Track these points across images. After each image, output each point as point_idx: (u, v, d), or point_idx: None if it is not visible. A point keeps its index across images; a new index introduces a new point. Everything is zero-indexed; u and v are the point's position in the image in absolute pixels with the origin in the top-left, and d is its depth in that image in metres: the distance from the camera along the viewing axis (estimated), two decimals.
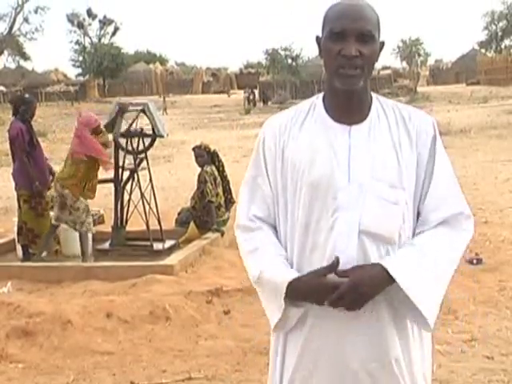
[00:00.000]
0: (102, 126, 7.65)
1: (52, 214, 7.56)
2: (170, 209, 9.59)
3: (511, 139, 18.11)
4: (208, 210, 7.98)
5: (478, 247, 7.17)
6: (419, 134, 2.07)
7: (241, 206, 2.19)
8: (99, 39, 66.85)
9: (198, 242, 7.63)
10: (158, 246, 7.71)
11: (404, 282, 1.94)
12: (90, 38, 66.56)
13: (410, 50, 71.75)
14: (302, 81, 47.42)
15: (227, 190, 8.28)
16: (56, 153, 15.87)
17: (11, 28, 56.62)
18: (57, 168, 8.35)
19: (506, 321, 5.22)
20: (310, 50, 55.37)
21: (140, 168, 8.01)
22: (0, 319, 5.40)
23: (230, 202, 8.26)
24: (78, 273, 6.81)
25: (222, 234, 7.90)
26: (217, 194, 8.06)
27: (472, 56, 62.46)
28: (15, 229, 7.78)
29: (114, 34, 67.32)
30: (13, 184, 7.80)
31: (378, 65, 2.23)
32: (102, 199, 9.64)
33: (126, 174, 7.98)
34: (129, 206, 7.93)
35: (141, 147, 7.95)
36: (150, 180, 7.88)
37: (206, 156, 8.16)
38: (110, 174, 7.99)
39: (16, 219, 7.81)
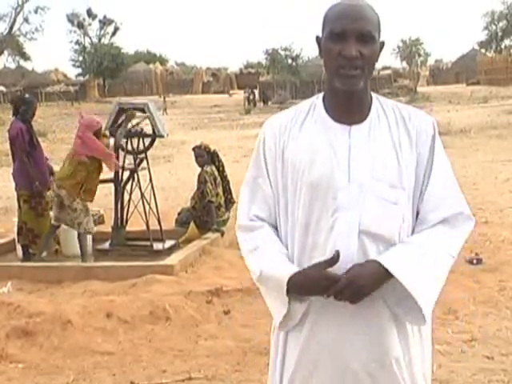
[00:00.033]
0: (104, 130, 7.66)
1: (51, 214, 7.56)
2: (170, 209, 9.59)
3: (511, 139, 18.11)
4: (208, 210, 7.98)
5: (478, 247, 7.17)
6: (419, 134, 2.07)
7: (241, 207, 2.20)
8: (99, 39, 66.84)
9: (198, 242, 7.63)
10: (158, 246, 7.71)
11: (400, 274, 1.95)
12: (90, 38, 66.59)
13: (410, 50, 71.71)
14: (302, 81, 47.43)
15: (227, 190, 8.29)
16: (56, 153, 15.86)
17: (11, 28, 56.59)
18: (57, 168, 8.34)
19: (506, 321, 5.22)
20: (310, 50, 55.41)
21: (140, 168, 8.01)
22: (0, 319, 5.40)
23: (230, 202, 8.26)
24: (78, 273, 6.81)
25: (222, 234, 7.90)
26: (217, 194, 8.06)
27: (472, 56, 62.45)
28: (15, 229, 7.78)
29: (113, 34, 67.32)
30: (13, 184, 7.80)
31: (378, 65, 2.23)
32: (102, 199, 9.64)
33: (126, 174, 7.98)
34: (129, 206, 7.93)
35: (141, 147, 7.96)
36: (150, 180, 7.88)
37: (206, 156, 8.16)
38: (110, 174, 8.00)
39: (16, 219, 7.81)
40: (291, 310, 2.04)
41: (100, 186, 7.83)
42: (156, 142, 8.31)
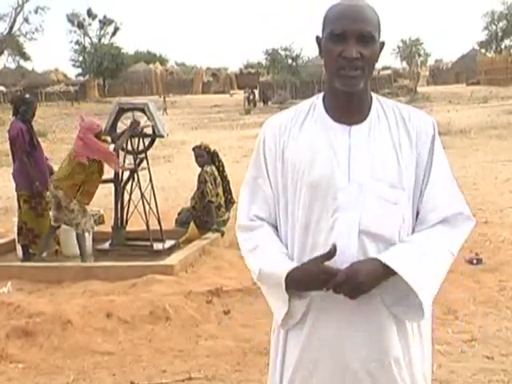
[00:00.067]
0: (104, 130, 7.65)
1: (51, 214, 7.55)
2: (170, 209, 9.59)
3: (511, 139, 18.11)
4: (208, 210, 7.98)
5: (478, 247, 7.17)
6: (419, 135, 2.07)
7: (241, 207, 2.20)
8: (99, 39, 66.83)
9: (198, 242, 7.63)
10: (158, 246, 7.71)
11: (400, 269, 1.95)
12: (90, 38, 66.57)
13: (410, 50, 71.72)
14: (302, 81, 47.42)
15: (227, 190, 8.29)
16: (56, 153, 15.86)
17: (11, 28, 56.59)
18: (56, 168, 8.34)
19: (506, 321, 5.22)
20: (310, 50, 55.34)
21: (140, 168, 8.01)
22: (0, 319, 5.40)
23: (230, 202, 8.26)
24: (78, 273, 6.81)
25: (222, 234, 7.90)
26: (217, 194, 8.06)
27: (472, 56, 62.44)
28: (15, 229, 7.78)
29: (114, 34, 67.31)
30: (13, 184, 7.80)
31: (378, 65, 2.23)
32: (102, 199, 9.64)
33: (126, 174, 7.98)
34: (129, 206, 7.93)
35: (141, 147, 7.96)
36: (150, 180, 7.88)
37: (206, 156, 8.16)
38: (110, 174, 8.00)
39: (16, 219, 7.81)
40: (292, 307, 2.04)
41: (100, 186, 7.83)
42: (156, 142, 8.31)
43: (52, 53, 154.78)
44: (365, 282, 1.93)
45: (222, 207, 8.15)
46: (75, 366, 4.72)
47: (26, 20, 57.05)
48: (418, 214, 2.09)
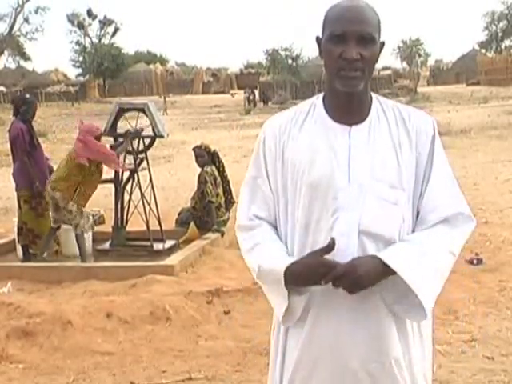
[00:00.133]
0: (104, 130, 7.65)
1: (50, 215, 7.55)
2: (170, 209, 9.59)
3: (511, 139, 18.10)
4: (208, 210, 7.98)
5: (479, 247, 7.17)
6: (419, 135, 2.07)
7: (241, 207, 2.20)
8: (99, 39, 66.82)
9: (198, 243, 7.63)
10: (158, 246, 7.71)
11: (400, 268, 1.94)
12: (91, 38, 66.57)
13: (411, 51, 71.66)
14: (303, 81, 47.39)
15: (227, 191, 8.28)
16: (56, 153, 15.84)
17: (11, 28, 56.59)
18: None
19: (507, 321, 5.22)
20: (310, 51, 55.27)
21: (140, 168, 8.01)
22: (0, 319, 5.40)
23: (230, 202, 8.26)
24: (78, 273, 6.81)
25: (222, 235, 7.91)
26: (217, 195, 8.06)
27: (472, 56, 62.42)
28: (15, 229, 7.78)
29: (114, 34, 67.29)
30: (13, 184, 7.80)
31: (378, 65, 2.23)
32: (102, 199, 9.65)
33: (126, 174, 7.98)
34: (129, 207, 7.93)
35: (141, 147, 7.96)
36: (150, 180, 7.88)
37: (207, 156, 8.16)
38: (110, 174, 8.00)
39: (16, 219, 7.81)
40: (292, 303, 2.03)
41: (100, 186, 7.83)
42: (156, 143, 8.31)
43: (52, 53, 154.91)
44: (364, 277, 1.93)
45: (222, 207, 8.15)
46: (75, 366, 4.72)
47: (26, 20, 57.11)
48: (418, 214, 2.09)
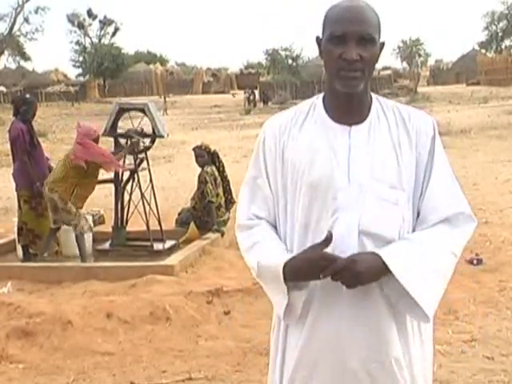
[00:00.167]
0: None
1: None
2: (171, 209, 9.59)
3: (511, 140, 18.10)
4: (208, 210, 7.98)
5: (479, 248, 7.17)
6: (419, 135, 2.07)
7: (241, 206, 2.20)
8: (99, 39, 66.79)
9: (198, 243, 7.63)
10: (158, 246, 7.71)
11: (399, 273, 1.94)
12: (91, 38, 66.53)
13: (411, 51, 71.66)
14: (303, 81, 47.39)
15: (227, 191, 8.29)
16: (56, 153, 15.82)
17: (11, 28, 56.60)
18: None
19: (507, 321, 5.22)
20: (310, 51, 55.26)
21: (140, 168, 8.01)
22: (0, 319, 5.40)
23: (230, 202, 8.26)
24: (78, 273, 6.81)
25: (223, 235, 7.91)
26: (217, 195, 8.06)
27: (472, 56, 62.40)
28: (15, 229, 7.78)
29: (114, 34, 67.25)
30: (13, 184, 7.80)
31: (378, 65, 2.23)
32: (103, 199, 9.65)
33: (127, 174, 7.98)
34: (129, 207, 7.93)
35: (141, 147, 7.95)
36: (151, 180, 7.88)
37: (207, 156, 8.16)
38: (110, 175, 8.00)
39: (16, 219, 7.81)
40: (292, 299, 2.02)
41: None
42: (156, 143, 8.31)
43: (52, 53, 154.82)
44: (364, 273, 1.92)
45: (222, 207, 8.15)
46: (75, 366, 4.73)
47: (26, 20, 57.11)
48: (418, 214, 2.08)
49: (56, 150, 17.57)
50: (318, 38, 2.08)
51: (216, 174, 8.13)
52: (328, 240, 1.94)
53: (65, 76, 65.37)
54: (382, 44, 2.06)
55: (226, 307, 5.66)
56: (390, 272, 1.94)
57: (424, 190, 2.07)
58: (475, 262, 6.71)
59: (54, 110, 41.65)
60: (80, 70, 64.37)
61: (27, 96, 8.47)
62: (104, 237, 8.00)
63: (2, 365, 4.77)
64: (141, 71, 65.43)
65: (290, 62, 49.78)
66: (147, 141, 8.00)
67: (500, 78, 50.76)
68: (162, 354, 4.88)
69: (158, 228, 7.81)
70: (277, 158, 2.11)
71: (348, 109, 2.06)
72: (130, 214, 7.91)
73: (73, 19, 65.72)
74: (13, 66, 63.28)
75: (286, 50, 50.18)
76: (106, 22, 66.62)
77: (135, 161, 7.92)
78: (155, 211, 7.76)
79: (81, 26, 65.68)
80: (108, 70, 60.27)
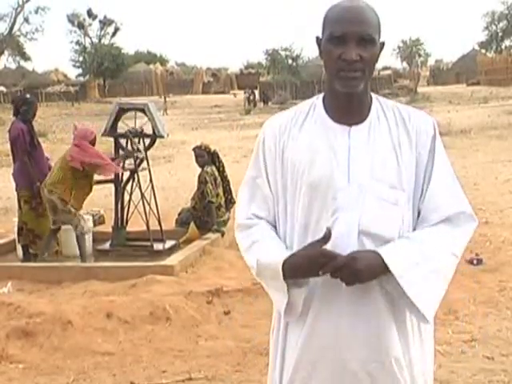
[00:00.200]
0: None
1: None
2: (171, 209, 9.59)
3: (511, 139, 18.10)
4: (208, 210, 7.98)
5: (479, 248, 7.17)
6: (419, 135, 2.07)
7: (240, 206, 2.20)
8: (99, 39, 66.79)
9: (198, 243, 7.63)
10: (158, 246, 7.71)
11: (397, 269, 1.94)
12: (91, 38, 66.54)
13: (411, 51, 71.71)
14: (303, 81, 47.39)
15: (227, 191, 8.29)
16: (56, 153, 15.77)
17: (11, 28, 56.63)
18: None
19: (507, 321, 5.22)
20: (310, 51, 55.29)
21: (140, 168, 8.01)
22: (0, 319, 5.40)
23: (230, 202, 8.26)
24: (79, 273, 6.81)
25: (223, 235, 7.91)
26: (217, 195, 8.06)
27: (472, 56, 62.40)
28: (15, 229, 7.78)
29: (114, 34, 67.26)
30: (13, 184, 7.80)
31: (378, 65, 2.23)
32: (103, 199, 9.66)
33: (127, 174, 7.98)
34: (129, 207, 7.93)
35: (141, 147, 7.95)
36: (151, 180, 7.88)
37: (207, 156, 8.16)
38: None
39: (16, 219, 7.81)
40: (292, 297, 2.02)
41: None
42: (156, 143, 8.31)
43: (52, 53, 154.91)
44: (364, 271, 1.92)
45: (222, 207, 8.15)
46: (75, 366, 4.73)
47: (26, 20, 57.15)
48: (418, 214, 2.08)
49: (56, 150, 17.55)
50: (317, 38, 2.08)
51: (216, 174, 8.13)
52: (327, 237, 1.94)
53: (65, 76, 65.39)
54: (382, 44, 2.06)
55: (226, 307, 5.66)
56: (389, 271, 1.94)
57: (425, 189, 2.06)
58: (475, 261, 6.71)
59: (54, 110, 41.64)
60: (80, 70, 64.45)
61: (27, 96, 8.47)
62: (104, 237, 8.00)
63: (2, 365, 4.77)
64: (141, 71, 65.43)
65: (290, 62, 49.78)
66: (147, 141, 8.00)
67: (500, 78, 50.75)
68: (162, 353, 4.88)
69: (158, 228, 7.81)
70: (277, 158, 2.11)
71: (348, 109, 2.05)
72: (130, 214, 7.91)
73: (73, 19, 65.73)
74: (13, 66, 63.36)
75: (285, 50, 50.19)
76: (105, 22, 66.63)
77: (135, 161, 7.92)
78: (155, 211, 7.76)
79: (81, 26, 65.69)
80: (108, 70, 60.29)
